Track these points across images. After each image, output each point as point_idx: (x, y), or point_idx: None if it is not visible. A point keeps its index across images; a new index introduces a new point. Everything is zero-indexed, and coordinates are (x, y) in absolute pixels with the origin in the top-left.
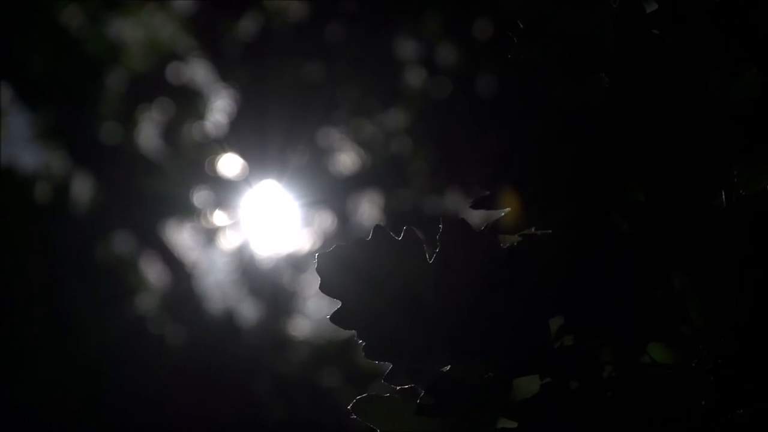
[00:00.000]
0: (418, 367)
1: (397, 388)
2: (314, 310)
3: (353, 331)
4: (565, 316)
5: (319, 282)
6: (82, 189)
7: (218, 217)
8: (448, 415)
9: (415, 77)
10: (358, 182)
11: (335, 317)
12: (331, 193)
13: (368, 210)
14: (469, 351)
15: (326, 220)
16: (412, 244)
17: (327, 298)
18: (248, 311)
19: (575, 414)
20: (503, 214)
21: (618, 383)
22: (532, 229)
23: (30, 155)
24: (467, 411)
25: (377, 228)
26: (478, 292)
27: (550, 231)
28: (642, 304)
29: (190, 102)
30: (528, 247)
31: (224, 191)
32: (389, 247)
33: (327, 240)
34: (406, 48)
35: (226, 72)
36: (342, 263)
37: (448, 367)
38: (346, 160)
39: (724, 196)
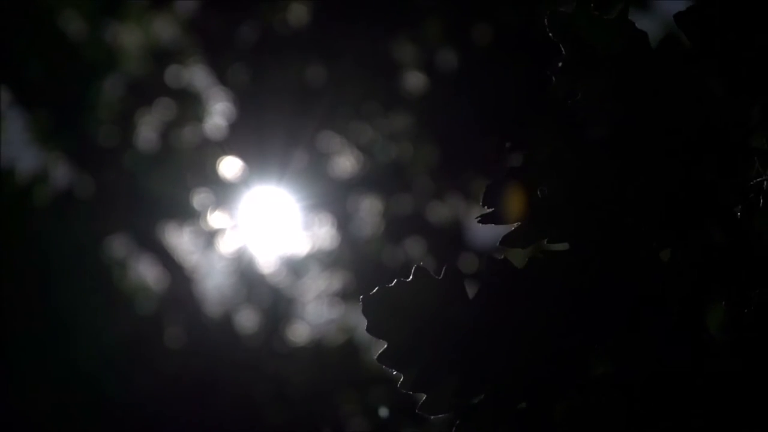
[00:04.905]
0: (454, 399)
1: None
2: (314, 314)
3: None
4: (599, 341)
5: (366, 324)
6: (81, 192)
7: (218, 221)
8: None
9: (416, 81)
10: (358, 186)
11: (382, 357)
12: (331, 196)
13: (368, 214)
14: (502, 382)
15: (326, 224)
16: (452, 282)
17: (328, 302)
18: (248, 315)
19: None
20: (513, 228)
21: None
22: (544, 242)
23: (28, 158)
24: None
25: (418, 269)
26: (512, 325)
27: (567, 246)
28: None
29: (190, 105)
30: (552, 270)
31: (224, 194)
32: (430, 286)
33: (327, 244)
34: (407, 51)
35: (225, 75)
36: (386, 305)
37: (482, 397)
38: (346, 163)
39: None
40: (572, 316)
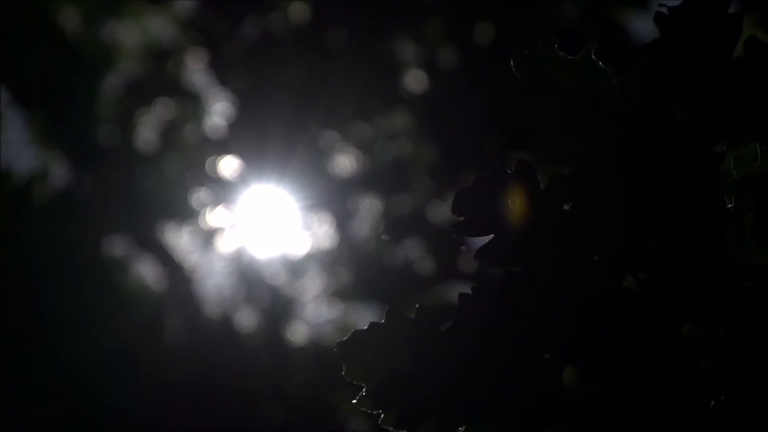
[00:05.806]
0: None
1: None
2: (313, 314)
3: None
4: (575, 364)
5: (343, 370)
6: (80, 191)
7: (217, 220)
8: None
9: (416, 80)
10: (357, 185)
11: (361, 401)
12: (331, 196)
13: (368, 214)
14: (482, 415)
15: (326, 224)
16: (424, 322)
17: (328, 302)
18: (247, 315)
19: None
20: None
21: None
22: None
23: (27, 158)
24: None
25: (390, 311)
26: (488, 356)
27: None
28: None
29: (189, 104)
30: (526, 294)
31: (223, 194)
32: (402, 327)
33: (327, 244)
34: (408, 50)
35: (225, 74)
36: (361, 349)
37: (463, 428)
38: (346, 162)
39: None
40: (548, 342)
